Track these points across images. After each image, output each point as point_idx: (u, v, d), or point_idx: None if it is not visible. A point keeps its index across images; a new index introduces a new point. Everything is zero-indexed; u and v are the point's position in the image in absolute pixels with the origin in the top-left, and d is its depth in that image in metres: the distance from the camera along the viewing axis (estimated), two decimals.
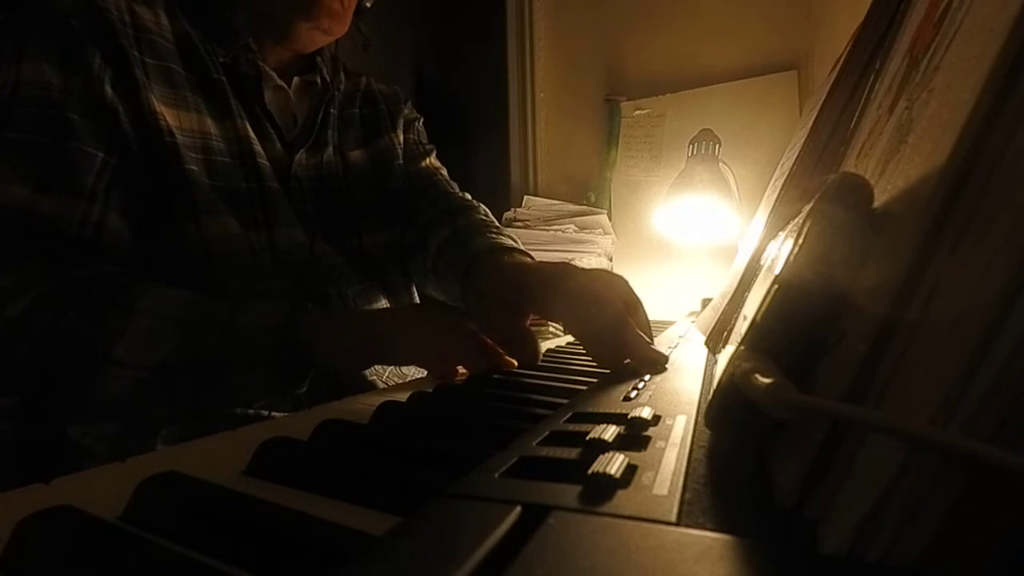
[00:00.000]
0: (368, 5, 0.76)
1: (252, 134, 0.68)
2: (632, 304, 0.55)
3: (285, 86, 0.73)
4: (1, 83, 0.56)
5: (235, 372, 0.52)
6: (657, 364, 0.46)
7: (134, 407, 0.54)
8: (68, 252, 0.54)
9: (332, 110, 0.79)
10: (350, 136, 0.82)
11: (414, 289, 0.86)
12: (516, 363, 0.54)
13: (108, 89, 0.58)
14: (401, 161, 0.85)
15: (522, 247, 0.70)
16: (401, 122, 0.88)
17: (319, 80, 0.77)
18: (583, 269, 0.56)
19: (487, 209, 0.83)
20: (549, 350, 0.71)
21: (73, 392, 0.53)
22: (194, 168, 0.61)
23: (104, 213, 0.57)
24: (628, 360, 0.48)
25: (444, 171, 0.89)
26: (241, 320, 0.53)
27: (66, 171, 0.55)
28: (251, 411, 0.61)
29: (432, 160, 0.89)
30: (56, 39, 0.57)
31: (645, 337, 0.49)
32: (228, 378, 0.52)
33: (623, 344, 0.48)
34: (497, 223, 0.80)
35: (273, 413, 0.61)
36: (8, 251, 0.52)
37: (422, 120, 0.93)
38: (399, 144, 0.86)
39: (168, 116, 0.61)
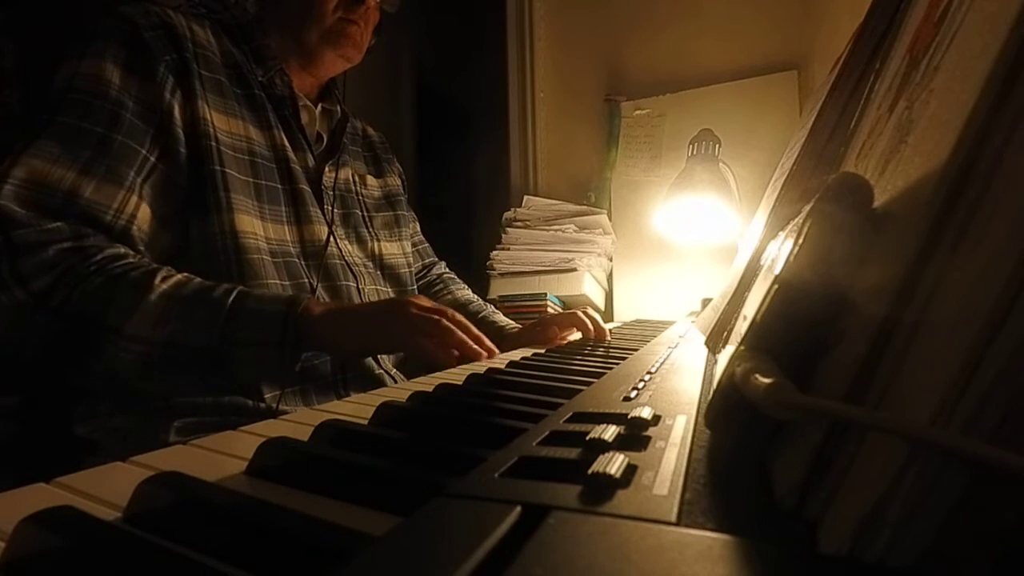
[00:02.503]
0: (373, 43, 0.87)
1: (287, 144, 0.77)
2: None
3: (312, 107, 0.84)
4: (59, 76, 0.62)
5: (239, 352, 0.56)
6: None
7: (138, 381, 0.58)
8: (96, 237, 0.59)
9: (345, 139, 0.89)
10: (359, 167, 0.95)
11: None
12: (494, 352, 0.64)
13: (167, 95, 0.65)
14: (405, 197, 1.03)
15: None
16: (396, 171, 1.05)
17: (338, 109, 0.89)
18: None
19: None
20: (549, 350, 0.71)
21: (79, 362, 0.57)
22: (232, 171, 0.69)
23: (138, 206, 0.62)
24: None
25: (425, 241, 1.11)
26: (248, 305, 0.57)
27: (110, 160, 0.60)
28: (262, 404, 0.65)
29: (416, 228, 1.09)
30: (126, 47, 0.64)
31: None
32: (232, 357, 0.56)
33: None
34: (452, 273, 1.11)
35: (282, 406, 0.65)
36: (46, 230, 0.56)
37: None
38: (401, 188, 1.04)
39: (217, 122, 0.69)
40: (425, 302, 0.62)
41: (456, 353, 0.60)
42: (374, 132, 1.06)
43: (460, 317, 0.62)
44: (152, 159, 0.64)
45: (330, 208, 0.82)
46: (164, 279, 0.58)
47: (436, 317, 0.59)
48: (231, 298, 0.58)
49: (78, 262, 0.56)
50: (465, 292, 1.06)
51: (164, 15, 0.68)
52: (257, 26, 0.79)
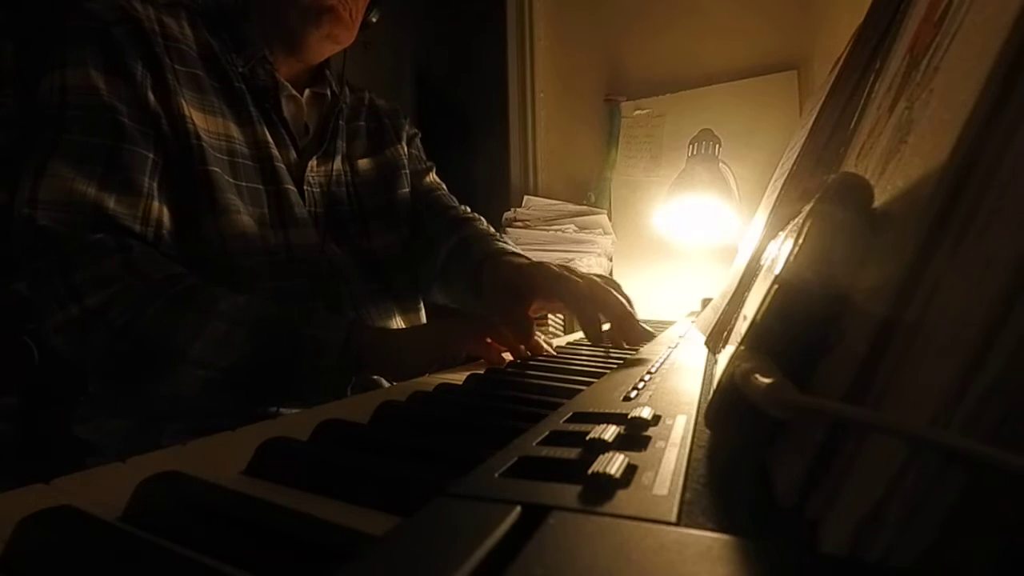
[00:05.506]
0: (374, 20, 0.81)
1: (270, 139, 0.73)
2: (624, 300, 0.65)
3: (298, 96, 0.78)
4: (47, 87, 0.60)
5: (298, 375, 0.57)
6: (634, 329, 0.60)
7: (200, 403, 0.58)
8: (141, 248, 0.59)
9: (340, 121, 0.83)
10: (357, 146, 0.87)
11: (418, 294, 0.91)
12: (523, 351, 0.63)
13: (150, 95, 0.62)
14: (407, 170, 0.92)
15: (519, 250, 0.79)
16: (404, 135, 0.94)
17: (329, 92, 0.82)
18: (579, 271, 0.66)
19: (485, 220, 0.91)
20: None
21: (143, 384, 0.57)
22: (217, 169, 0.65)
23: (160, 210, 0.62)
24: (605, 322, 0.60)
25: (444, 187, 0.97)
26: (308, 332, 0.58)
27: (125, 170, 0.59)
28: (258, 409, 0.63)
29: (433, 176, 0.96)
30: (99, 47, 0.61)
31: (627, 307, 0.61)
32: (291, 380, 0.58)
33: (602, 303, 0.60)
34: (495, 231, 0.87)
35: (281, 410, 0.64)
36: (84, 245, 0.56)
37: (420, 136, 0.99)
38: (404, 155, 0.92)
39: (196, 119, 0.65)
40: (453, 321, 0.66)
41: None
42: (382, 101, 0.95)
43: (504, 331, 0.62)
44: (160, 161, 0.63)
45: (316, 208, 0.77)
46: (227, 301, 0.58)
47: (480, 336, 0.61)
48: (291, 324, 0.58)
49: (135, 282, 0.56)
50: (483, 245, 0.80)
51: (129, 8, 0.64)
52: (239, 13, 0.74)
